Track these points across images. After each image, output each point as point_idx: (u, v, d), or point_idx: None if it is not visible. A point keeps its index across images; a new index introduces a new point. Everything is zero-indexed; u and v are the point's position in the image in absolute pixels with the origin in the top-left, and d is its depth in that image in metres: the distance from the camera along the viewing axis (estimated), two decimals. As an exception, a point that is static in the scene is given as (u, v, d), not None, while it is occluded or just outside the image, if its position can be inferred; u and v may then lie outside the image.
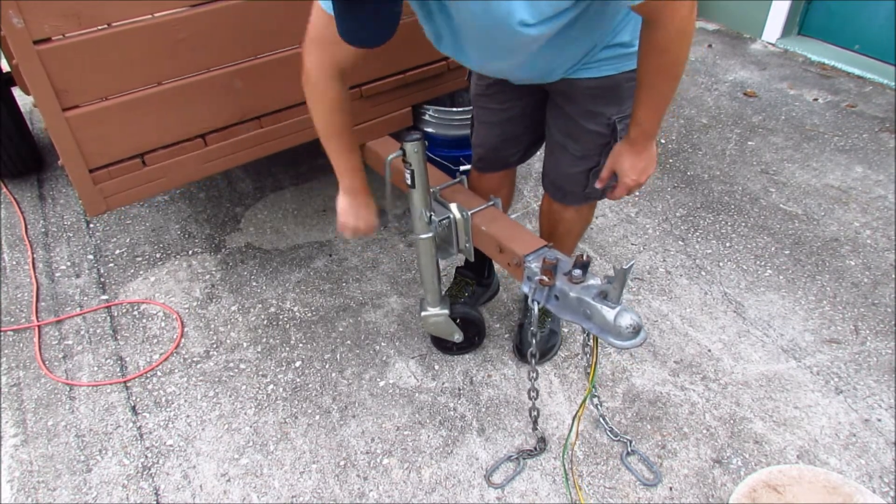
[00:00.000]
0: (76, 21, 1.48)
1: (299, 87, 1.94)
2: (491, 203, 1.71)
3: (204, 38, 1.66)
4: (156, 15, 1.58)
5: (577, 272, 1.35)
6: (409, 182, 1.56)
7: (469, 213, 1.67)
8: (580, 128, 1.56)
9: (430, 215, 1.64)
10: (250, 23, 1.72)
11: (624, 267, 1.23)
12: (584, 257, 1.36)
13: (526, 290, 1.47)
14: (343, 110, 1.48)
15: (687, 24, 1.17)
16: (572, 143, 1.61)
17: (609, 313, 1.28)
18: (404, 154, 1.50)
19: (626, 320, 1.27)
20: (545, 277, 1.39)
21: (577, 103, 1.53)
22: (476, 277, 2.13)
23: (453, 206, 1.69)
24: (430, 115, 2.23)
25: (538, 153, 1.88)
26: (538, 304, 1.44)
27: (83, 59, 1.53)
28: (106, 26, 1.54)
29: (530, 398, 1.60)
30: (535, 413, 1.65)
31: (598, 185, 1.59)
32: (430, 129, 2.27)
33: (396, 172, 1.73)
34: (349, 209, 1.68)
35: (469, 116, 2.20)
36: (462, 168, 2.21)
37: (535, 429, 1.71)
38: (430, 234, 1.67)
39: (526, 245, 1.52)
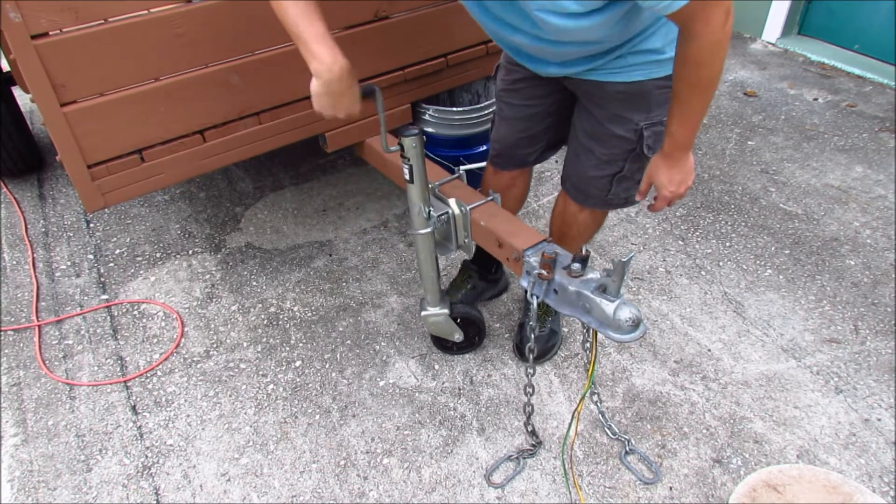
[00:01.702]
0: (74, 16, 1.48)
1: (298, 84, 1.95)
2: (490, 199, 1.71)
3: (202, 33, 1.66)
4: (153, 10, 1.58)
5: (577, 266, 1.35)
6: (407, 177, 1.55)
7: (468, 208, 1.67)
8: (606, 132, 1.55)
9: (429, 211, 1.64)
10: (248, 18, 1.72)
11: (622, 259, 1.23)
12: (584, 251, 1.36)
13: (525, 284, 1.47)
14: None
15: (721, 34, 1.15)
16: (598, 147, 1.60)
17: (608, 307, 1.28)
18: (402, 149, 1.50)
19: (626, 313, 1.27)
20: (544, 272, 1.39)
21: (605, 107, 1.53)
22: (479, 271, 2.13)
23: (452, 202, 1.69)
24: (430, 115, 2.23)
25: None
26: (537, 298, 1.44)
27: (81, 54, 1.53)
28: (103, 21, 1.54)
29: (526, 394, 1.60)
30: (530, 409, 1.65)
31: (638, 199, 1.59)
32: (430, 129, 2.27)
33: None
34: (324, 93, 1.36)
35: (470, 117, 2.21)
36: (462, 168, 2.22)
37: (528, 423, 1.70)
38: (429, 230, 1.66)
39: (525, 240, 1.52)
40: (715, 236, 2.45)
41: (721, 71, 1.23)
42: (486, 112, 2.24)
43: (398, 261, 2.41)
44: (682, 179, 1.45)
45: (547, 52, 1.43)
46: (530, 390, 1.59)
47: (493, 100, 2.24)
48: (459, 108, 2.22)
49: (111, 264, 2.47)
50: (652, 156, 1.52)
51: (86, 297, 2.32)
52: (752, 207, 2.60)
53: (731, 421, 1.78)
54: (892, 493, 1.61)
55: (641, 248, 2.42)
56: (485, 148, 2.31)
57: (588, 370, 1.47)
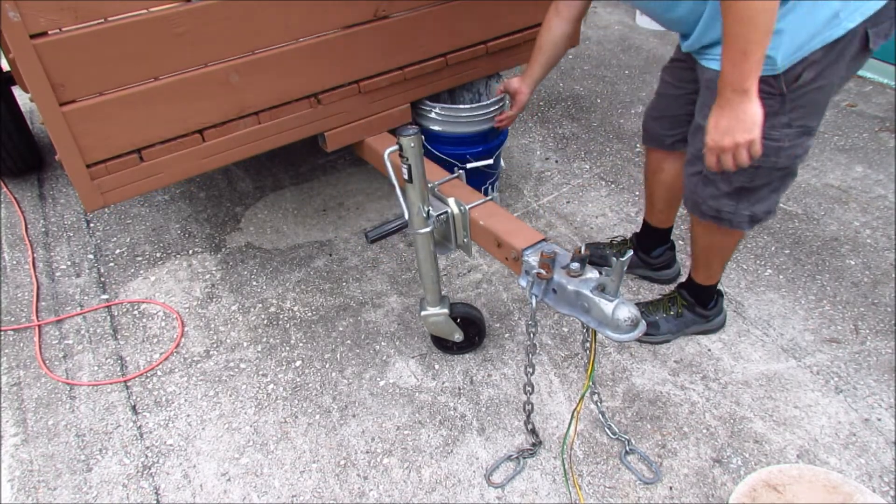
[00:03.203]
0: (73, 15, 1.49)
1: (297, 83, 1.95)
2: (489, 198, 1.71)
3: (202, 32, 1.66)
4: (152, 9, 1.58)
5: (575, 265, 1.35)
6: (406, 177, 1.55)
7: (467, 207, 1.67)
8: (697, 124, 1.52)
9: (428, 210, 1.64)
10: (248, 17, 1.72)
11: (621, 259, 1.22)
12: (582, 251, 1.36)
13: (523, 283, 1.47)
14: (547, 29, 1.83)
15: None
16: (690, 140, 1.59)
17: (607, 306, 1.28)
18: (401, 148, 1.50)
19: (624, 313, 1.27)
20: (543, 271, 1.38)
21: (701, 96, 1.51)
22: (638, 243, 2.11)
23: (451, 201, 1.69)
24: (436, 113, 2.22)
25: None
26: (536, 297, 1.44)
27: (80, 54, 1.53)
28: (103, 20, 1.54)
29: (526, 393, 1.60)
30: (530, 407, 1.65)
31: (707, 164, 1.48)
32: (436, 127, 2.26)
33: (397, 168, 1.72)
34: None
35: (475, 114, 2.19)
36: (468, 166, 2.20)
37: (527, 422, 1.70)
38: (428, 230, 1.66)
39: (524, 239, 1.52)
40: (715, 236, 2.45)
41: (763, 8, 1.18)
42: (493, 109, 2.22)
43: (398, 261, 2.41)
44: (727, 128, 1.32)
45: (668, 16, 1.44)
46: (529, 389, 1.59)
47: (497, 98, 2.23)
48: (467, 106, 2.20)
49: (111, 264, 2.47)
50: None
51: (86, 297, 2.32)
52: (752, 207, 2.60)
53: (731, 421, 1.78)
54: (892, 493, 1.61)
55: (641, 248, 2.41)
56: (487, 146, 2.31)
57: (588, 370, 1.47)
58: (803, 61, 1.35)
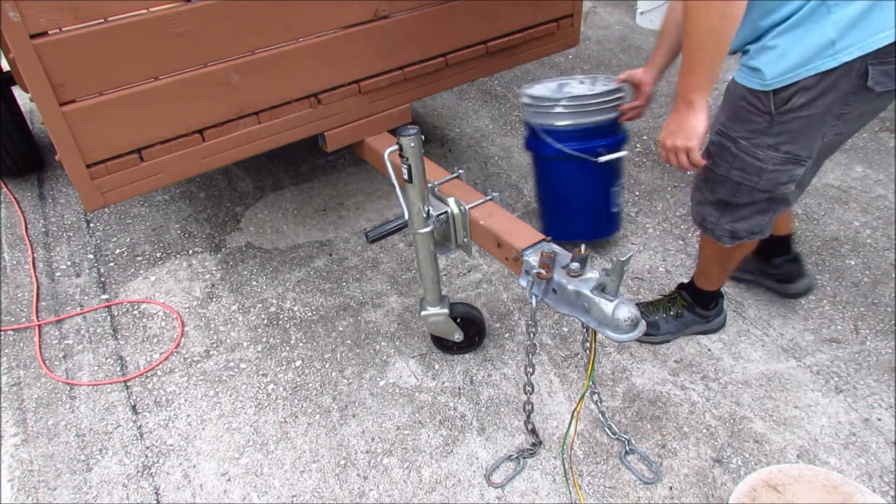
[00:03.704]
0: (73, 15, 1.49)
1: (297, 83, 1.94)
2: (489, 198, 1.71)
3: (201, 32, 1.66)
4: (152, 9, 1.58)
5: (575, 265, 1.35)
6: (406, 177, 1.55)
7: (467, 207, 1.67)
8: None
9: (428, 210, 1.64)
10: (248, 17, 1.72)
11: (621, 259, 1.22)
12: (583, 251, 1.36)
13: (523, 283, 1.47)
14: (672, 11, 1.75)
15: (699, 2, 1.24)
16: None
17: (607, 306, 1.28)
18: (401, 148, 1.50)
19: (624, 313, 1.27)
20: (542, 271, 1.38)
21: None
22: (758, 249, 1.95)
23: (451, 201, 1.69)
24: (562, 107, 2.02)
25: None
26: (536, 297, 1.44)
27: (80, 54, 1.53)
28: (103, 20, 1.54)
29: (525, 393, 1.60)
30: (530, 407, 1.65)
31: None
32: (561, 123, 2.04)
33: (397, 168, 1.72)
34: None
35: (604, 100, 2.03)
36: (601, 159, 2.05)
37: (527, 422, 1.70)
38: (428, 230, 1.66)
39: (524, 239, 1.52)
40: (715, 236, 2.45)
41: (710, 33, 1.27)
42: (617, 97, 2.05)
43: (398, 261, 2.41)
44: (672, 130, 1.45)
45: None
46: (529, 389, 1.59)
47: (616, 86, 2.05)
48: (592, 92, 2.03)
49: (111, 264, 2.47)
50: (710, 164, 1.54)
51: (86, 297, 2.32)
52: (752, 207, 2.60)
53: (731, 421, 1.78)
54: (892, 493, 1.60)
55: (641, 248, 2.41)
56: (616, 137, 2.13)
57: (588, 370, 1.47)
58: (795, 85, 1.35)
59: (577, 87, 2.12)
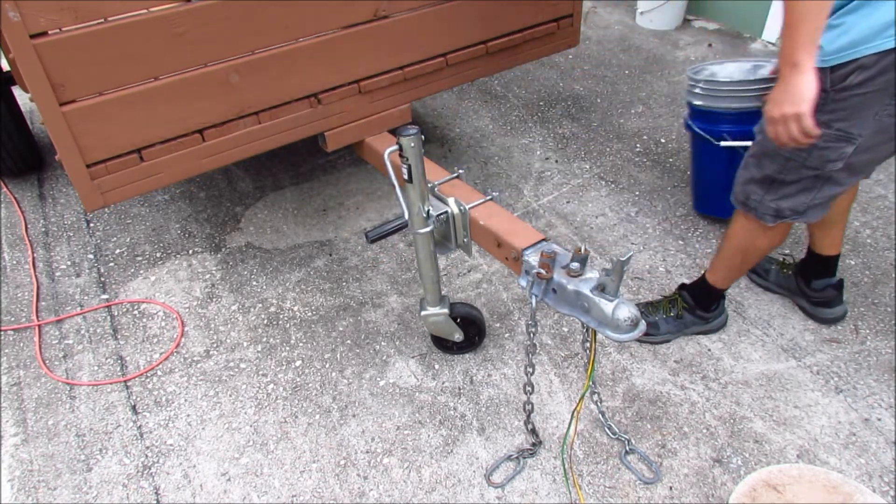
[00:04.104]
0: (73, 15, 1.49)
1: (297, 83, 1.94)
2: (489, 198, 1.71)
3: (201, 32, 1.66)
4: (152, 9, 1.58)
5: (575, 265, 1.35)
6: (406, 177, 1.55)
7: (467, 207, 1.67)
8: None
9: (428, 210, 1.64)
10: (248, 17, 1.72)
11: (621, 259, 1.22)
12: (583, 250, 1.35)
13: (523, 283, 1.47)
14: None
15: None
16: None
17: (607, 306, 1.28)
18: (401, 148, 1.50)
19: (624, 313, 1.27)
20: (542, 271, 1.38)
21: None
22: (800, 270, 2.03)
23: (451, 201, 1.69)
24: (700, 88, 2.18)
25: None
26: (536, 297, 1.44)
27: (80, 54, 1.53)
28: (102, 20, 1.54)
29: (525, 393, 1.60)
30: (530, 407, 1.65)
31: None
32: (697, 102, 2.21)
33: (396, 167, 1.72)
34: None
35: (736, 89, 2.10)
36: (722, 144, 2.15)
37: (527, 422, 1.70)
38: (428, 230, 1.66)
39: (524, 239, 1.52)
40: (715, 236, 2.45)
41: None
42: (759, 87, 2.08)
43: (398, 261, 2.41)
44: (777, 99, 1.36)
45: None
46: (529, 388, 1.60)
47: (766, 77, 2.10)
48: (730, 80, 2.15)
49: (111, 264, 2.47)
50: (761, 138, 1.55)
51: (86, 297, 2.32)
52: (752, 207, 2.60)
53: (731, 421, 1.78)
54: (892, 492, 1.61)
55: (641, 248, 2.41)
56: (746, 127, 2.08)
57: (588, 370, 1.47)
58: (853, 63, 1.34)
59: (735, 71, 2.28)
